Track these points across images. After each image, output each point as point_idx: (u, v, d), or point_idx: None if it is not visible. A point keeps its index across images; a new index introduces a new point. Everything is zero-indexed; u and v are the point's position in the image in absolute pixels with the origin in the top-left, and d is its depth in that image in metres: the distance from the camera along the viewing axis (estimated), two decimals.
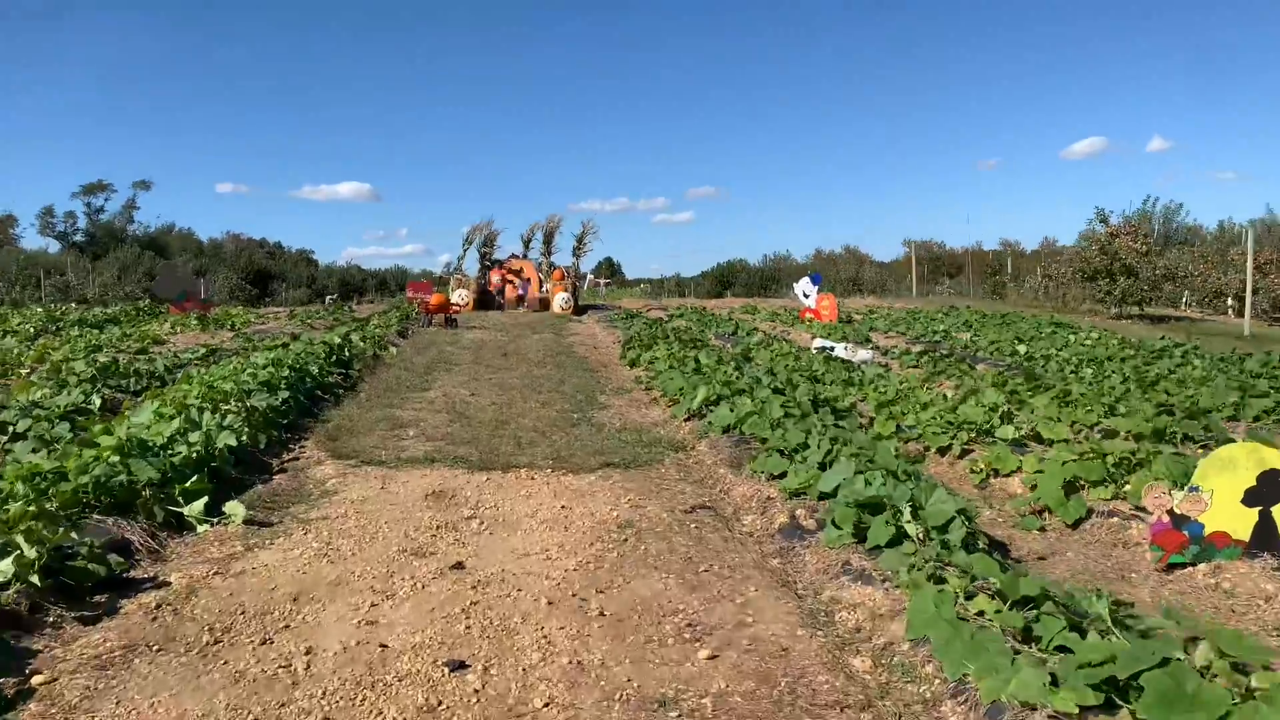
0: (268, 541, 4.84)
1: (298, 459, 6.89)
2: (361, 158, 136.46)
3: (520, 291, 28.26)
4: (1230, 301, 36.40)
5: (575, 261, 29.16)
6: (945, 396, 9.03)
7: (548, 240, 29.50)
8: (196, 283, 31.12)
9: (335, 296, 64.94)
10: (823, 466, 5.70)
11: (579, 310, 26.49)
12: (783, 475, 5.91)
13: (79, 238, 67.96)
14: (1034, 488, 6.00)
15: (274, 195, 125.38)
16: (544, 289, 28.71)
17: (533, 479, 6.34)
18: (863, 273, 66.35)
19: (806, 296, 23.10)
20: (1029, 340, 18.10)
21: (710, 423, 7.88)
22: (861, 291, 58.74)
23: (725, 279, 66.58)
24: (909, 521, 4.40)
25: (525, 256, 29.63)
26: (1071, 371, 12.60)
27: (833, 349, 15.15)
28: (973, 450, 7.13)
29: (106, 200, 69.62)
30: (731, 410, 7.76)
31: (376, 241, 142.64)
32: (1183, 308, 37.62)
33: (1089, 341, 16.60)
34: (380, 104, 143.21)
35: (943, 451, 7.34)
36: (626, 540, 4.93)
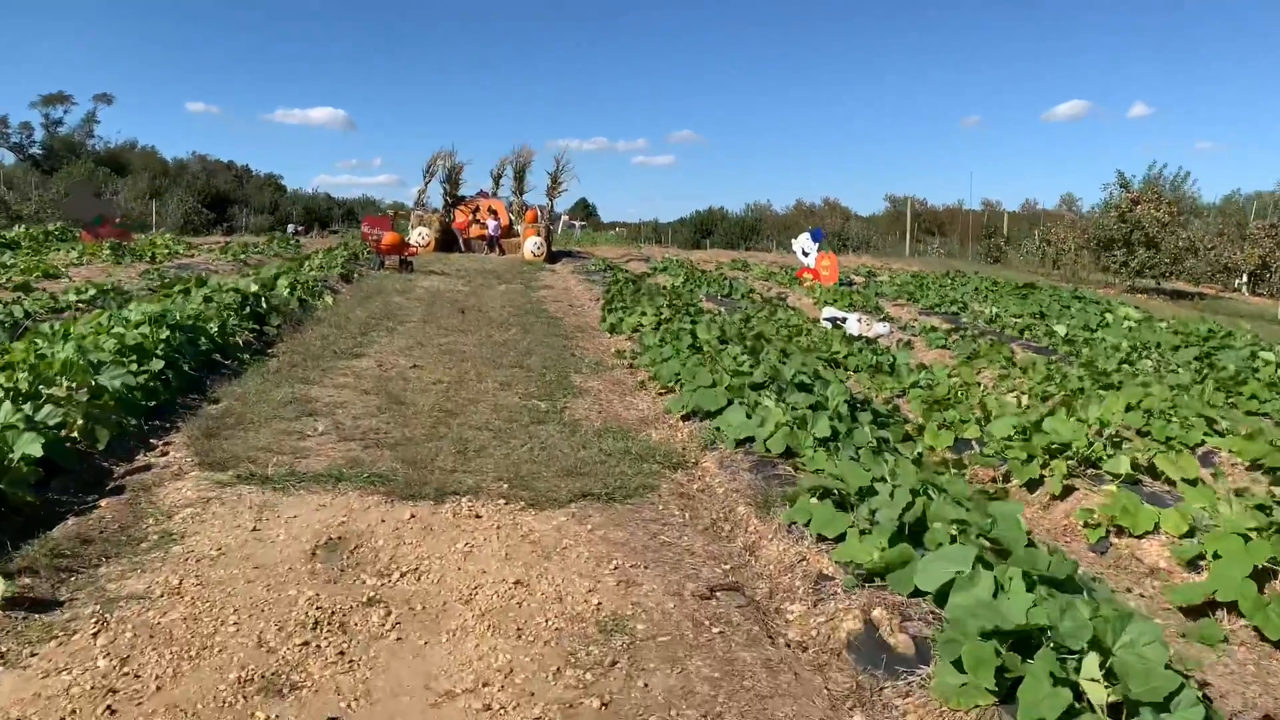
0: (17, 657, 3.00)
1: (150, 467, 5.02)
2: (337, 83, 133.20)
3: (490, 233, 26.16)
4: (1243, 279, 35.16)
5: (550, 202, 27.03)
6: (1019, 402, 7.31)
7: (519, 177, 27.34)
8: (113, 205, 28.43)
9: (299, 227, 62.24)
10: (905, 532, 3.94)
11: (552, 257, 24.50)
12: (840, 538, 4.15)
13: (35, 150, 65.73)
14: (1192, 564, 4.32)
15: (246, 117, 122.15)
16: (514, 230, 26.64)
17: (477, 517, 4.54)
18: (848, 228, 64.71)
19: (806, 255, 21.28)
20: (1057, 315, 16.49)
21: (719, 430, 6.10)
22: (848, 247, 57.10)
23: (705, 227, 64.91)
24: (1094, 681, 2.67)
25: (495, 194, 27.45)
26: (1123, 362, 10.97)
27: (843, 320, 13.41)
28: (1075, 488, 5.43)
29: (66, 113, 67.25)
30: (750, 416, 5.97)
31: (350, 170, 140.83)
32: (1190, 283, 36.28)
33: (1130, 322, 14.98)
34: (358, 30, 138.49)
35: (1032, 486, 5.64)
36: (616, 665, 3.16)
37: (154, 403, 5.94)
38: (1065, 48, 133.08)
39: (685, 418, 6.81)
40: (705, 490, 5.31)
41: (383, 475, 5.04)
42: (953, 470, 5.66)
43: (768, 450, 5.58)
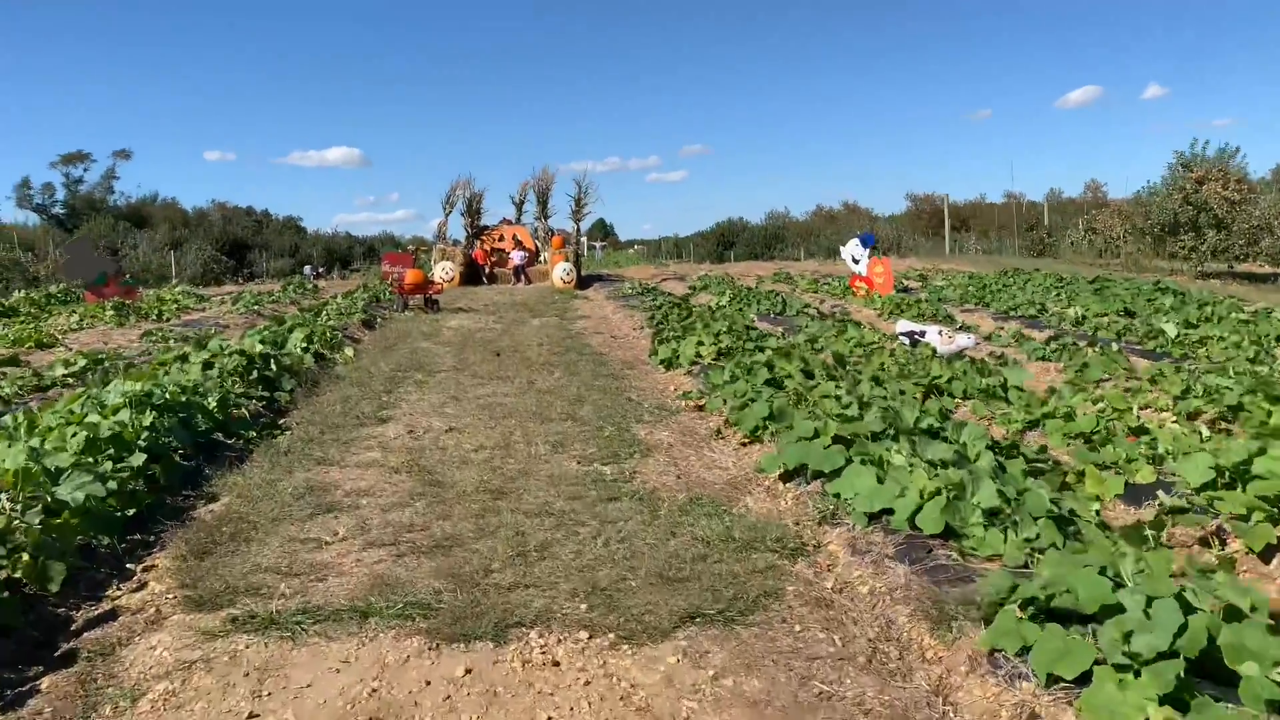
0: None
1: (118, 613, 3.87)
2: (349, 122, 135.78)
3: (518, 262, 25.12)
4: None
5: (575, 225, 25.98)
6: (1200, 433, 6.00)
7: (542, 200, 26.33)
8: (115, 261, 27.81)
9: (318, 269, 61.91)
10: (1188, 673, 2.69)
11: (582, 283, 23.41)
12: (1083, 678, 2.89)
13: (58, 210, 67.34)
14: None
15: (262, 162, 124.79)
16: (541, 258, 25.60)
17: (555, 665, 3.35)
18: (877, 229, 63.26)
19: (856, 262, 19.99)
20: (1143, 311, 15.09)
21: (840, 499, 4.87)
22: (878, 249, 55.54)
23: (727, 239, 63.85)
24: None
25: (519, 221, 26.46)
26: (1252, 362, 9.60)
27: (921, 334, 12.11)
28: None
29: (85, 170, 68.85)
30: (881, 481, 4.73)
31: (368, 207, 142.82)
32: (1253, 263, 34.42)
33: (1241, 314, 13.55)
34: (368, 68, 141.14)
35: (1267, 554, 4.35)
36: None
37: (133, 510, 4.83)
38: (1074, 33, 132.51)
39: (785, 477, 5.59)
40: (844, 590, 4.08)
41: (423, 603, 3.86)
42: (1150, 533, 4.38)
43: (915, 528, 4.35)
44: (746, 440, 6.60)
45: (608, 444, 6.67)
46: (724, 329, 10.82)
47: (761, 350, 9.90)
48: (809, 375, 7.96)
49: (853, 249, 20.20)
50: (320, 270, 56.96)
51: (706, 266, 34.39)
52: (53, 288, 19.68)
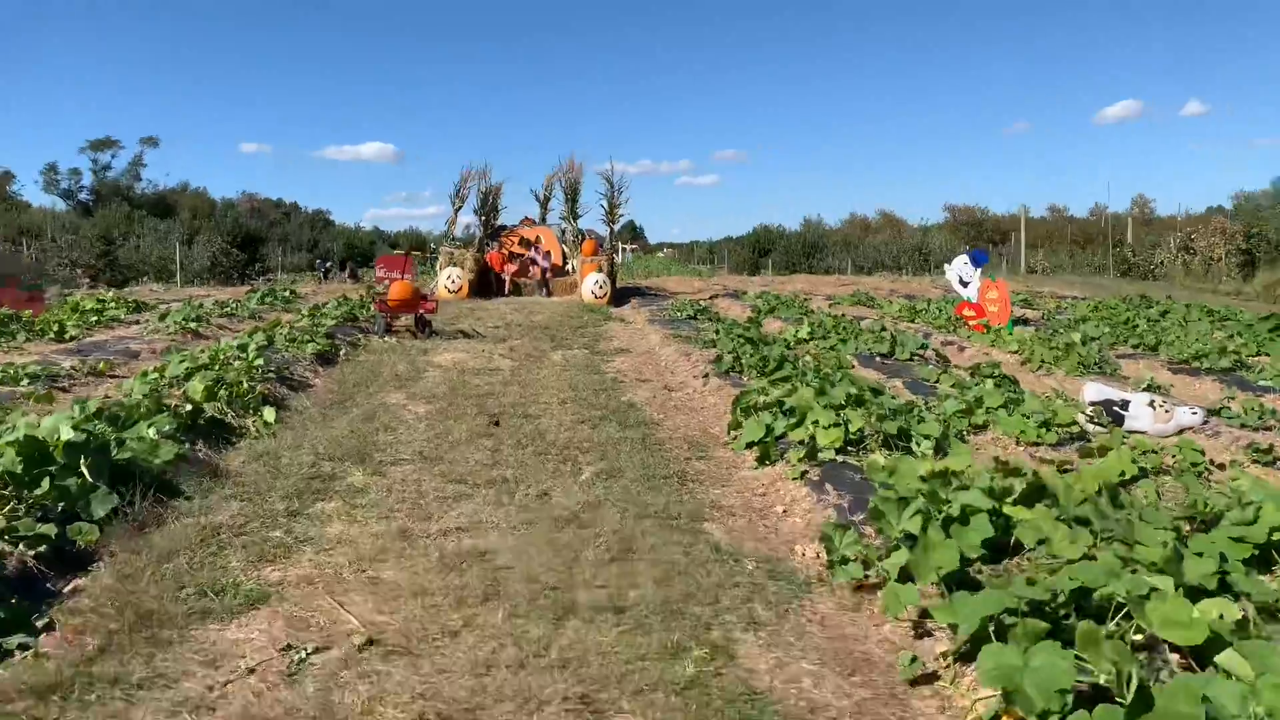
0: None
1: None
2: (385, 118, 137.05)
3: (544, 266, 21.62)
4: None
5: (610, 229, 22.39)
6: None
7: (571, 197, 22.76)
8: (22, 261, 24.60)
9: (326, 265, 59.32)
10: None
11: (617, 298, 19.83)
12: None
13: (84, 195, 68.95)
14: None
15: (297, 155, 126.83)
16: (569, 266, 22.08)
17: None
18: (927, 240, 59.39)
19: (964, 285, 16.28)
20: None
21: None
22: (929, 264, 51.66)
23: (763, 246, 60.70)
24: None
25: (543, 220, 22.94)
26: None
27: (1122, 406, 8.41)
28: None
29: (114, 157, 70.46)
30: None
31: (399, 203, 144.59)
32: None
33: None
34: (404, 64, 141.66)
35: None
36: None
37: None
38: (1114, 47, 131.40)
39: None
40: None
41: None
42: None
43: None
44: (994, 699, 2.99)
45: (702, 704, 3.08)
46: (844, 394, 7.14)
47: (908, 436, 6.31)
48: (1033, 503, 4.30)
49: (960, 268, 16.48)
50: (328, 267, 54.13)
51: (760, 279, 30.74)
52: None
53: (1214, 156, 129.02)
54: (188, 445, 6.01)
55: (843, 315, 15.41)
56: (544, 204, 23.17)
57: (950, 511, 4.53)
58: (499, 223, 22.84)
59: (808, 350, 12.14)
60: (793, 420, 7.04)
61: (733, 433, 7.47)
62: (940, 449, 6.57)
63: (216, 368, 7.94)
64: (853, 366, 10.80)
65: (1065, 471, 6.63)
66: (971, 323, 15.52)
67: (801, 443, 6.64)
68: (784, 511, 5.58)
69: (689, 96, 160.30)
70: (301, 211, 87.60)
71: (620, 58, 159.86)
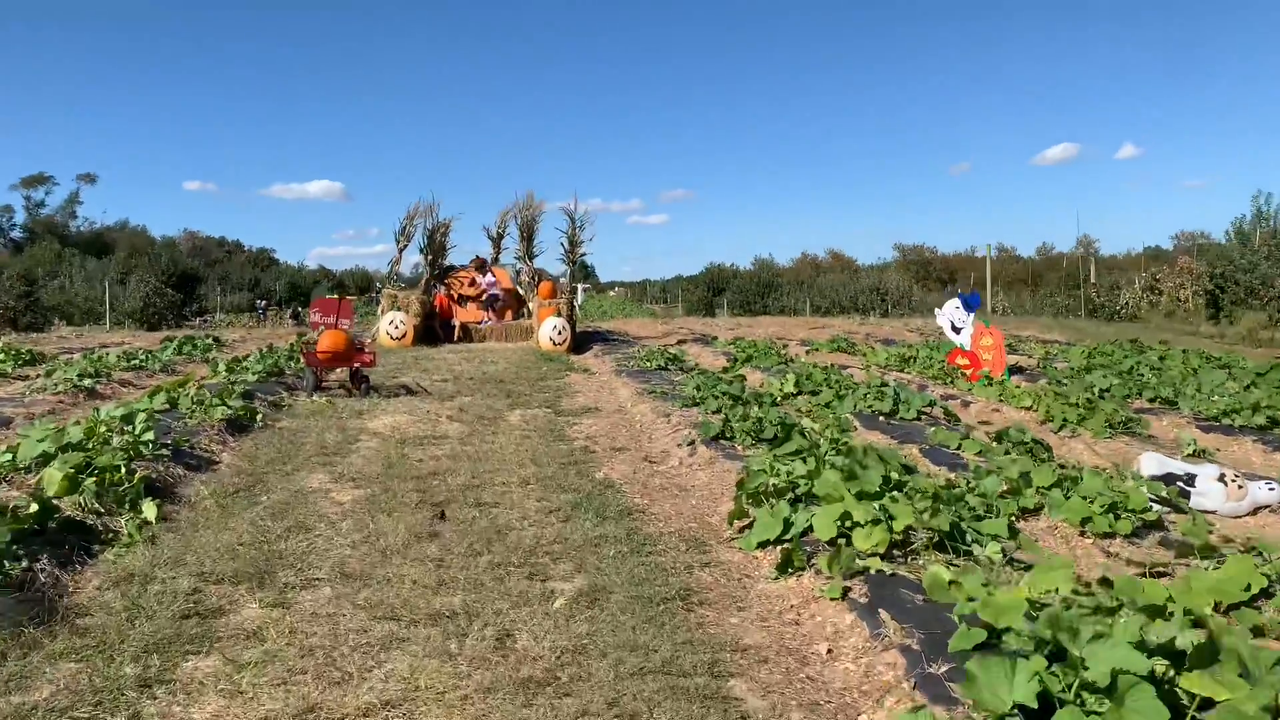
0: None
1: None
2: (332, 155, 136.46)
3: (488, 313, 20.27)
4: None
5: (570, 268, 21.07)
6: None
7: (527, 235, 21.43)
8: None
9: (267, 303, 57.67)
10: None
11: (577, 343, 18.47)
12: None
13: (16, 233, 67.45)
14: None
15: (242, 193, 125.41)
16: (525, 310, 20.71)
17: None
18: (884, 279, 59.17)
19: (957, 330, 15.19)
20: None
21: None
22: (886, 305, 51.21)
23: (716, 285, 60.29)
24: None
25: (496, 261, 21.56)
26: None
27: (1188, 481, 7.22)
28: None
29: (48, 194, 68.66)
30: None
31: (346, 241, 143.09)
32: None
33: None
34: (350, 101, 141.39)
35: None
36: None
37: None
38: (1053, 91, 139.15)
39: None
40: None
41: None
42: None
43: None
44: None
45: None
46: (881, 478, 5.82)
47: (956, 535, 5.04)
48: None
49: (951, 313, 15.38)
50: (264, 306, 52.31)
51: (725, 322, 29.59)
52: None
53: (1148, 198, 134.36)
54: (24, 564, 4.50)
55: (831, 366, 14.18)
56: (497, 242, 21.79)
57: (1088, 677, 3.23)
58: (446, 263, 21.41)
59: (798, 409, 10.87)
60: (815, 511, 5.72)
61: (736, 522, 6.12)
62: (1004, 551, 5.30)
63: (91, 446, 6.40)
64: (854, 429, 9.55)
65: (1159, 576, 5.39)
66: (967, 372, 14.42)
67: (832, 544, 5.32)
68: (829, 653, 4.23)
69: (639, 136, 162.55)
70: (245, 250, 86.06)
71: (572, 97, 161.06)
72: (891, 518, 5.32)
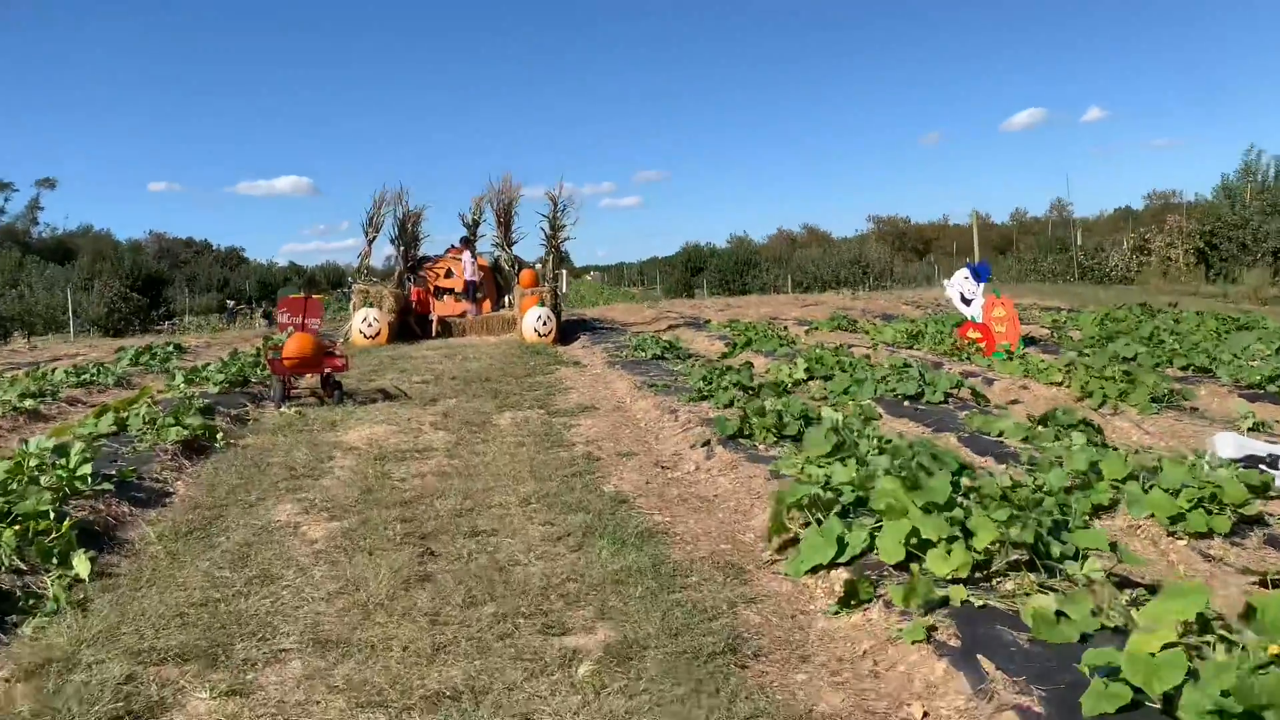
0: None
1: None
2: (298, 150, 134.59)
3: (470, 305, 19.37)
4: None
5: (551, 254, 20.12)
6: None
7: (505, 221, 20.47)
8: None
9: (235, 306, 56.61)
10: None
11: (563, 333, 17.60)
12: None
13: None
14: None
15: (208, 192, 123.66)
16: (505, 300, 19.81)
17: None
18: (865, 251, 58.56)
19: (967, 302, 14.44)
20: None
21: None
22: (868, 278, 50.54)
23: (693, 264, 59.74)
24: None
25: (473, 249, 20.59)
26: None
27: (1272, 462, 6.47)
28: None
29: (7, 200, 67.77)
30: None
31: (318, 236, 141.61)
32: None
33: None
34: (315, 94, 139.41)
35: None
36: None
37: None
38: (1018, 56, 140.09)
39: None
40: None
41: None
42: None
43: None
44: None
45: None
46: (949, 484, 5.01)
47: (1054, 552, 4.25)
48: None
49: (960, 284, 14.61)
50: (232, 307, 51.22)
51: (714, 303, 28.72)
52: None
53: (1116, 159, 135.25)
54: None
55: (838, 346, 13.38)
56: (472, 229, 20.80)
57: None
58: (420, 253, 20.42)
59: (812, 396, 10.07)
60: (869, 524, 4.92)
61: (775, 539, 5.30)
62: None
63: (13, 488, 5.49)
64: (879, 417, 8.74)
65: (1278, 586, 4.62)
66: (981, 346, 13.67)
67: (900, 567, 4.52)
68: (925, 717, 3.42)
69: (609, 119, 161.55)
70: (213, 249, 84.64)
71: (542, 81, 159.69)
72: (970, 534, 4.51)
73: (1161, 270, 38.73)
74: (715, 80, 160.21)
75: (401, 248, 19.73)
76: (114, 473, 6.51)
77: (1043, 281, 40.59)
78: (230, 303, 54.54)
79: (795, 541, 5.22)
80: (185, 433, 7.82)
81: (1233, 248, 35.20)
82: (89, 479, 6.02)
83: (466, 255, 19.64)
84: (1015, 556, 4.51)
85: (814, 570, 4.81)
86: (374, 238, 19.33)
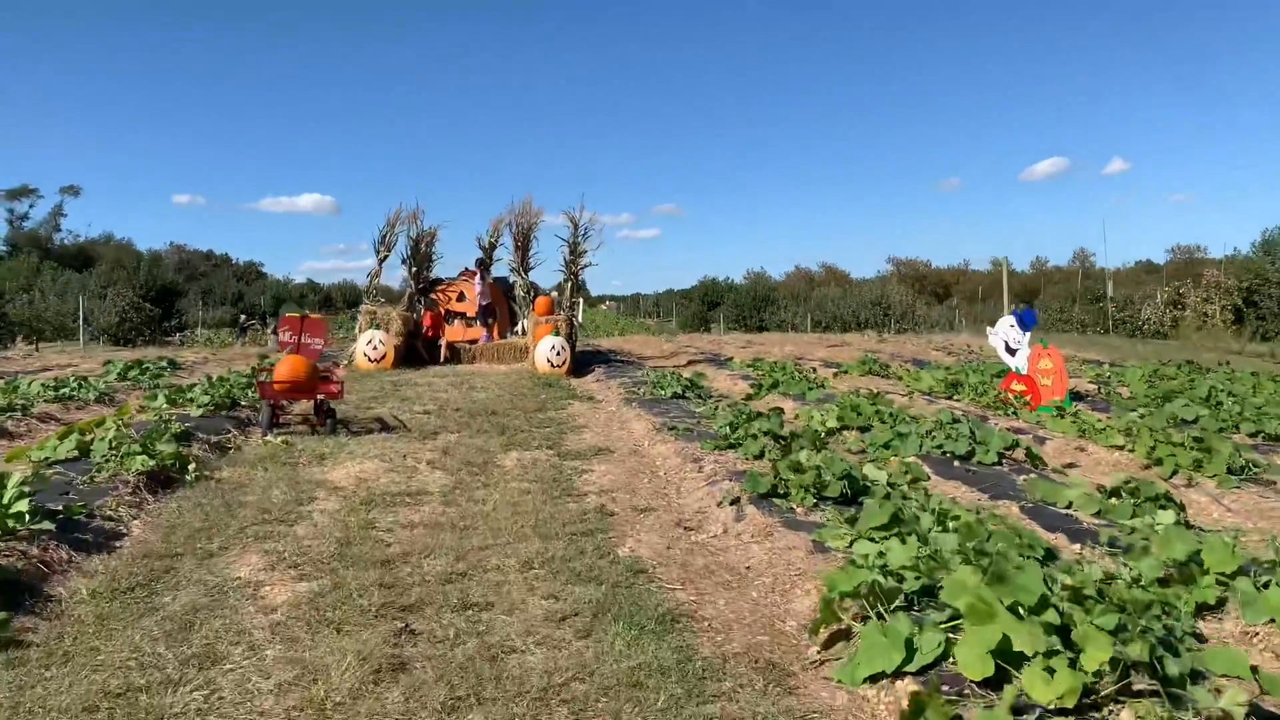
0: None
1: None
2: (324, 168, 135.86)
3: (483, 329, 18.66)
4: None
5: (569, 280, 19.35)
6: None
7: (523, 245, 19.76)
8: None
9: (249, 321, 56.23)
10: None
11: (577, 365, 16.81)
12: None
13: (0, 246, 67.23)
14: None
15: (232, 206, 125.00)
16: (517, 327, 19.06)
17: None
18: (887, 292, 57.75)
19: (1011, 352, 13.57)
20: None
21: None
22: (889, 320, 49.69)
23: (710, 299, 59.08)
24: None
25: (488, 272, 19.87)
26: None
27: None
28: None
29: (32, 206, 68.93)
30: None
31: (337, 255, 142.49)
32: None
33: None
34: (342, 114, 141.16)
35: None
36: None
37: None
38: (1041, 105, 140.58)
39: None
40: None
41: None
42: None
43: None
44: None
45: None
46: (1039, 580, 4.16)
47: (1177, 672, 3.34)
48: None
49: (1006, 332, 13.74)
50: (244, 322, 50.82)
51: (735, 340, 27.92)
52: None
53: (1136, 212, 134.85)
54: None
55: (876, 394, 12.50)
56: (489, 252, 20.08)
57: None
58: (432, 275, 19.72)
59: (849, 449, 9.22)
60: (939, 619, 4.09)
61: (823, 631, 4.45)
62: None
63: None
64: (928, 479, 7.87)
65: None
66: (1027, 399, 12.80)
67: (987, 684, 3.66)
68: None
69: (629, 151, 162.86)
70: (232, 263, 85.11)
71: (564, 112, 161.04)
72: (1072, 645, 3.66)
73: (1197, 325, 37.76)
74: (735, 118, 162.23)
75: (413, 268, 19.02)
76: (60, 509, 5.72)
77: (1074, 332, 39.60)
78: (243, 317, 54.24)
79: (846, 634, 4.39)
80: (152, 462, 7.03)
81: (1274, 304, 34.22)
82: (25, 516, 5.22)
83: (478, 279, 18.96)
84: (1126, 680, 3.64)
85: (874, 679, 3.95)
86: (385, 256, 18.62)
